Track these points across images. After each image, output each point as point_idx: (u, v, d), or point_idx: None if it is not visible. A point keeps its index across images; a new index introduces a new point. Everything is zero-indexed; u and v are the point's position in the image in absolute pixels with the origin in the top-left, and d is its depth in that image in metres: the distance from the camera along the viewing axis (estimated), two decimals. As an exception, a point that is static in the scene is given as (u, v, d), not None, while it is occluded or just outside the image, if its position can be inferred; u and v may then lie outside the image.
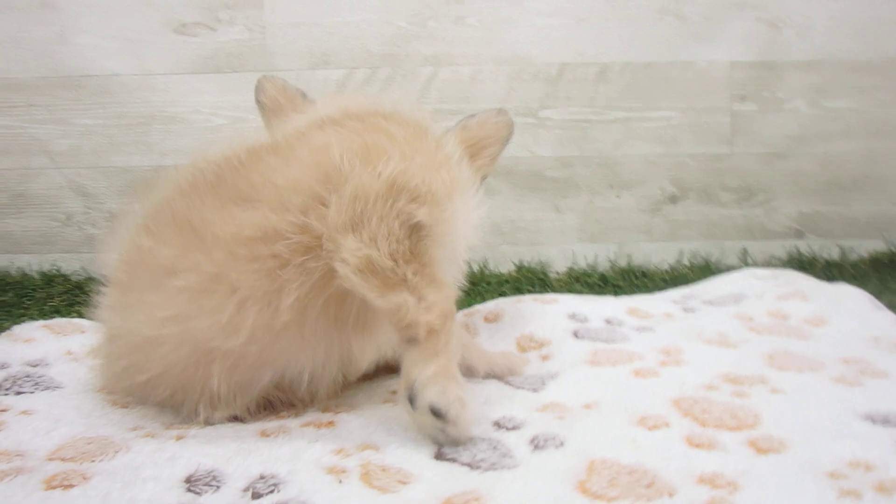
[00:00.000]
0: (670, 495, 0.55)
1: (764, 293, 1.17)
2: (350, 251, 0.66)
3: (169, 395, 0.74)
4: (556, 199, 1.70)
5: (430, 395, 0.65)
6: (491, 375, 0.88)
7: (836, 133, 1.71)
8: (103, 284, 0.79)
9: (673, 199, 1.72)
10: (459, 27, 1.66)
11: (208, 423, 0.73)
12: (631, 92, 1.70)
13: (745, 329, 1.00)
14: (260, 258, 0.68)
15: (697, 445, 0.64)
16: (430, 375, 0.65)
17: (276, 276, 0.68)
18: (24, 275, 1.61)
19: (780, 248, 1.71)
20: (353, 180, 0.68)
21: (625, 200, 1.71)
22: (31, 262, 1.63)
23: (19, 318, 1.37)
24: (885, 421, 0.67)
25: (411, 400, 0.66)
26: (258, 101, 0.95)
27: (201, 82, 1.63)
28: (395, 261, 0.67)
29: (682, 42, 1.69)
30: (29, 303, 1.50)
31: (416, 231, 0.69)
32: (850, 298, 1.10)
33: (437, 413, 0.64)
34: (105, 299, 0.78)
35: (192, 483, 0.58)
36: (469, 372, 0.87)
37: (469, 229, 0.78)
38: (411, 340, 0.67)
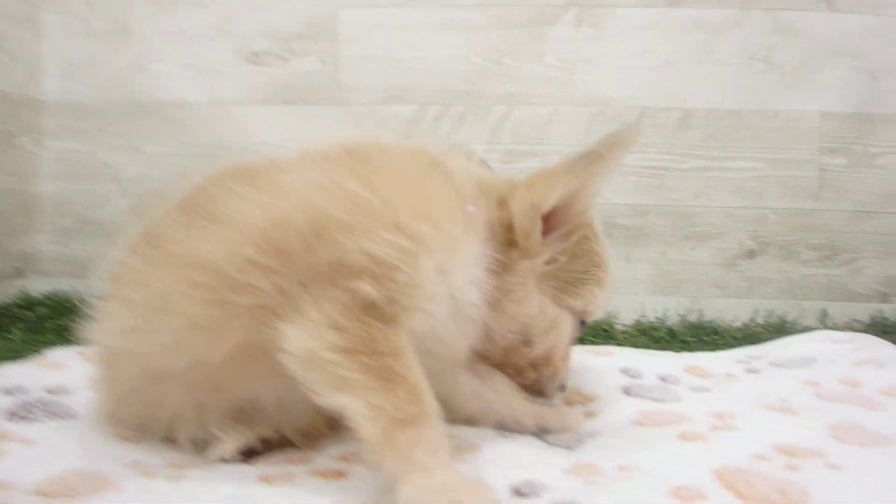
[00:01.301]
0: None
1: (837, 358, 1.08)
2: (289, 341, 0.62)
3: (140, 413, 0.73)
4: (627, 249, 1.64)
5: None
6: (544, 432, 0.83)
7: (931, 193, 1.61)
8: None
9: (751, 255, 1.64)
10: (538, 65, 1.60)
11: (221, 457, 0.70)
12: (714, 140, 1.62)
13: (810, 395, 0.92)
14: (207, 287, 0.66)
15: None
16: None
17: (223, 310, 0.65)
18: (85, 300, 1.61)
19: (864, 311, 1.62)
20: (299, 257, 0.64)
21: (700, 253, 1.64)
22: (95, 288, 1.63)
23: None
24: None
25: None
26: None
27: (272, 113, 1.61)
28: (341, 352, 0.61)
29: (772, 90, 1.60)
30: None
31: (367, 312, 0.62)
32: None
33: None
34: (92, 313, 0.78)
35: None
36: (517, 426, 0.82)
37: (463, 294, 0.69)
38: (372, 461, 0.61)
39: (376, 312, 0.62)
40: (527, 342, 0.80)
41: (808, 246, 1.64)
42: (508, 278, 0.77)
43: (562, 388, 0.87)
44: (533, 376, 0.83)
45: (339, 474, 0.68)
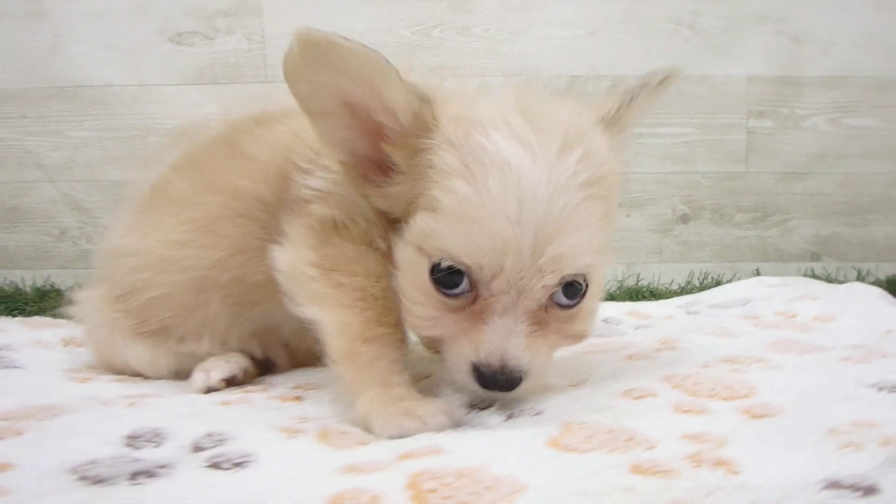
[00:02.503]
0: (650, 448, 0.51)
1: (772, 296, 1.13)
2: (278, 260, 0.69)
3: (170, 317, 0.80)
4: (563, 218, 1.65)
5: (380, 431, 0.60)
6: None
7: (856, 153, 1.64)
8: (123, 207, 0.86)
9: (685, 219, 1.66)
10: (465, 37, 1.60)
11: (207, 385, 0.77)
12: (643, 107, 1.63)
13: (749, 325, 0.96)
14: (246, 216, 0.75)
15: (685, 412, 0.60)
16: (364, 413, 0.61)
17: (260, 240, 0.73)
18: (17, 290, 1.57)
19: (795, 270, 1.65)
20: (280, 197, 0.72)
21: (634, 220, 1.66)
22: (25, 278, 1.60)
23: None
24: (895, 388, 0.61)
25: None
26: None
27: (198, 94, 1.58)
28: (317, 268, 0.67)
29: (698, 55, 1.62)
30: (18, 316, 1.46)
31: (335, 233, 0.68)
32: (862, 296, 1.04)
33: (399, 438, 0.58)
34: (122, 220, 0.85)
35: (134, 439, 0.57)
36: None
37: None
38: (334, 373, 0.64)
39: (345, 233, 0.68)
40: None
41: (740, 209, 1.66)
42: None
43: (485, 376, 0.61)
44: None
45: (296, 398, 0.73)
